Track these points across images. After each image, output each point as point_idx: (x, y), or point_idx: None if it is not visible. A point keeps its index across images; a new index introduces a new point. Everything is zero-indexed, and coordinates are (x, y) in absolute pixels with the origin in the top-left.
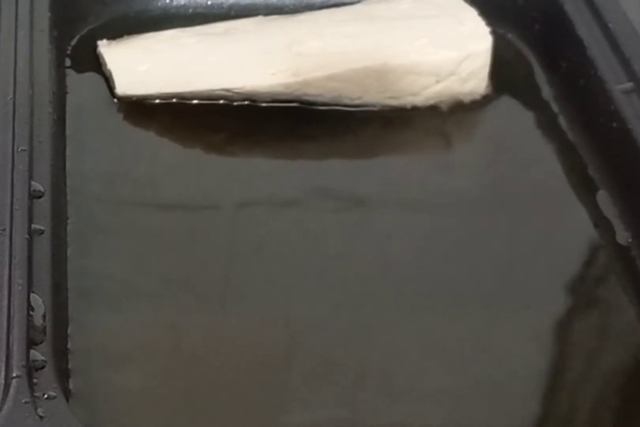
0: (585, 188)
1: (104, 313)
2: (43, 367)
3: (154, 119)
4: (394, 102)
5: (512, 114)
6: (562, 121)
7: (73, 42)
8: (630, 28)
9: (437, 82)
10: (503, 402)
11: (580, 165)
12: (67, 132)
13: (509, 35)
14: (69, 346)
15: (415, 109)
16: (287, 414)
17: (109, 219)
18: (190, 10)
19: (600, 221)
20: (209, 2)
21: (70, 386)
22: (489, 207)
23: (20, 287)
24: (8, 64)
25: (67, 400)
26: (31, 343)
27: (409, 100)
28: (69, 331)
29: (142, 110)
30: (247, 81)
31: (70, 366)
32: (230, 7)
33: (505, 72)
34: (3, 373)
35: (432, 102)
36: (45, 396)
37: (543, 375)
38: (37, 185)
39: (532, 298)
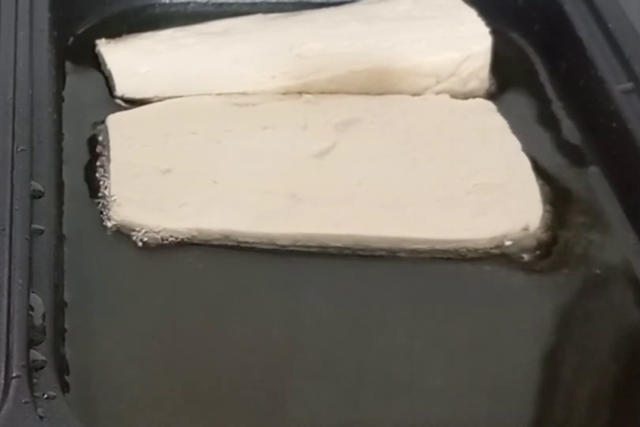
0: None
1: (104, 313)
2: (43, 367)
3: None
4: None
5: (512, 114)
6: (563, 121)
7: (72, 41)
8: (630, 28)
9: (438, 83)
10: (503, 401)
11: (580, 164)
12: (67, 131)
13: (509, 36)
14: (68, 345)
15: None
16: (287, 413)
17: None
18: (190, 8)
19: None
20: (209, 1)
21: (70, 386)
22: None
23: (20, 287)
24: (8, 64)
25: (67, 400)
26: (31, 343)
27: None
28: (69, 330)
29: None
30: (248, 84)
31: (70, 365)
32: (230, 5)
33: (505, 72)
34: (3, 373)
35: None
36: (45, 396)
37: (543, 374)
38: (37, 185)
39: (533, 297)
